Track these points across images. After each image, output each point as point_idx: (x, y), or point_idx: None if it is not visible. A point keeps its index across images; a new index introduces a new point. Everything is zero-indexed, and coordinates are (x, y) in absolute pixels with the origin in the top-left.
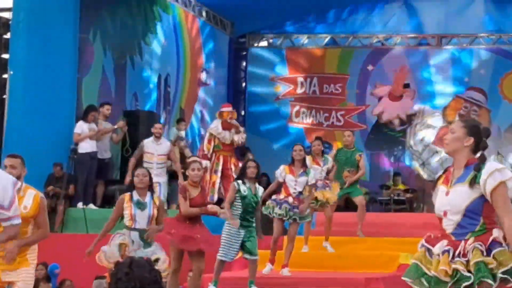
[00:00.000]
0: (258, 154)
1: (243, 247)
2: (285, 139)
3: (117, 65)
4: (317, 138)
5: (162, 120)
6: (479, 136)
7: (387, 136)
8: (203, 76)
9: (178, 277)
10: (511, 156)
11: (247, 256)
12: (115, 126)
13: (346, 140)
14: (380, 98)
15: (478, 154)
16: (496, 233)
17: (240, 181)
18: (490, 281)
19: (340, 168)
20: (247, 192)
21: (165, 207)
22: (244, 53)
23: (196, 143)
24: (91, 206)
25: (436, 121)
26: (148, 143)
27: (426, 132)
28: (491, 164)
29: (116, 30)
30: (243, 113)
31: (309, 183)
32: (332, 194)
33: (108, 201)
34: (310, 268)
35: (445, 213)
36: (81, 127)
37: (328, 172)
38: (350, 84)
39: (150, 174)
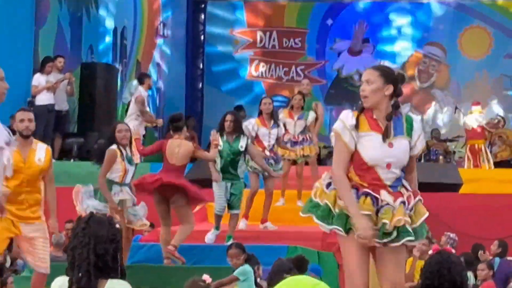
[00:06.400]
0: (221, 112)
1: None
2: (246, 96)
3: (73, 17)
4: (299, 92)
5: (119, 73)
6: (396, 83)
7: (347, 91)
8: (161, 28)
9: (169, 231)
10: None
11: (229, 210)
12: (61, 79)
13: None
14: (339, 53)
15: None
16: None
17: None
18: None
19: None
20: (222, 145)
21: None
22: (203, 5)
23: (154, 95)
24: None
25: None
26: None
27: None
28: (417, 123)
29: None
30: (201, 66)
31: (279, 135)
32: (313, 147)
33: (65, 154)
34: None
35: (389, 165)
36: (38, 79)
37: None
38: (310, 38)
39: (130, 129)
